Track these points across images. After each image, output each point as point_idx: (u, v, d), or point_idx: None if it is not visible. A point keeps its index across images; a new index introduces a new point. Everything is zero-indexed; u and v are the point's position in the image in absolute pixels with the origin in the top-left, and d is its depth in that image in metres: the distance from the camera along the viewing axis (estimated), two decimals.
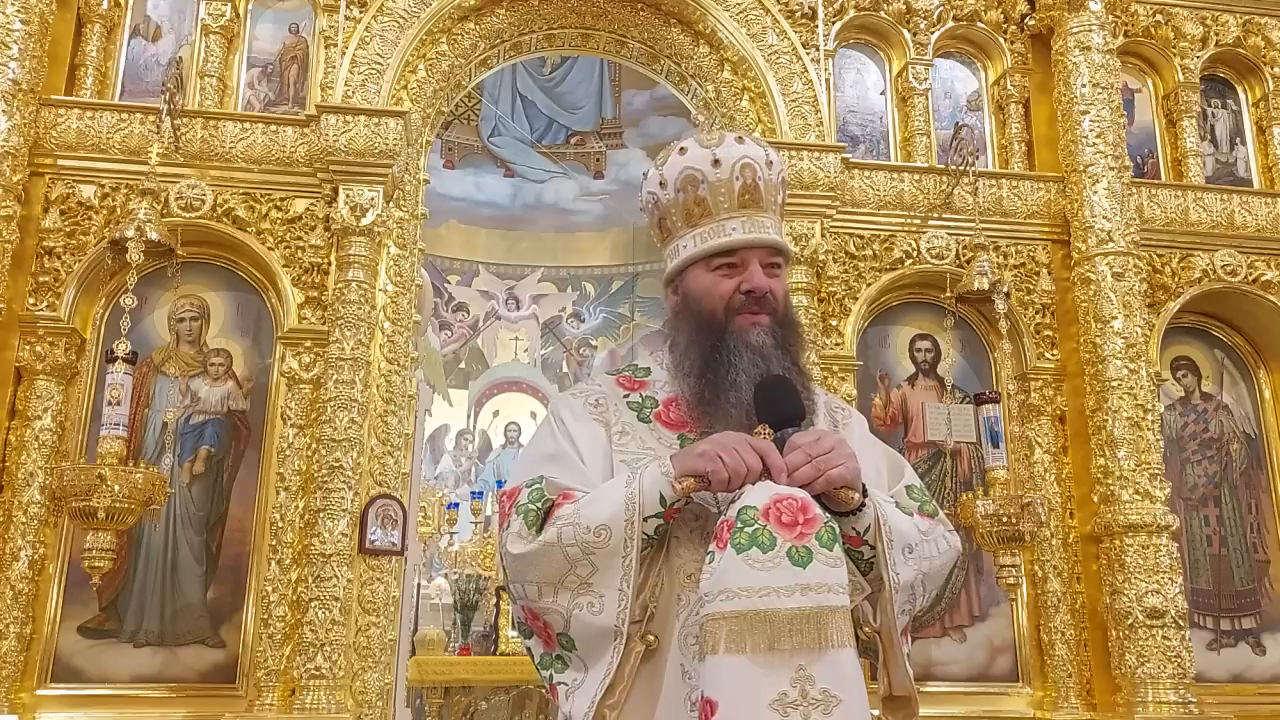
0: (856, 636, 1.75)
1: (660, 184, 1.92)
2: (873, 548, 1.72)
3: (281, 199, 5.07)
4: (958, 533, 1.92)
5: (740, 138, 1.92)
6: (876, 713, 1.82)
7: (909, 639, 1.86)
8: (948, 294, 5.35)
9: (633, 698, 1.67)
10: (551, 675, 1.75)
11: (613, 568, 1.66)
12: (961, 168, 5.38)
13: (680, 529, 1.73)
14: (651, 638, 1.68)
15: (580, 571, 1.67)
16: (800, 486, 1.61)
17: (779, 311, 1.87)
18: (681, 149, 1.92)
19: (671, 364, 1.91)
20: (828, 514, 1.60)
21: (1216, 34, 6.12)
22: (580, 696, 1.69)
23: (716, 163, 1.87)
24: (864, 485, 1.71)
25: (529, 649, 1.81)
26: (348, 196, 4.96)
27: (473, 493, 10.29)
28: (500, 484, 9.36)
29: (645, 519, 1.66)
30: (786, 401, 1.73)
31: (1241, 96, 6.27)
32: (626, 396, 1.92)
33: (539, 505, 1.73)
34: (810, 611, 1.52)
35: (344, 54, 5.17)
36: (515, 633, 7.18)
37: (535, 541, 1.70)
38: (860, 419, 2.06)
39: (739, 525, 1.57)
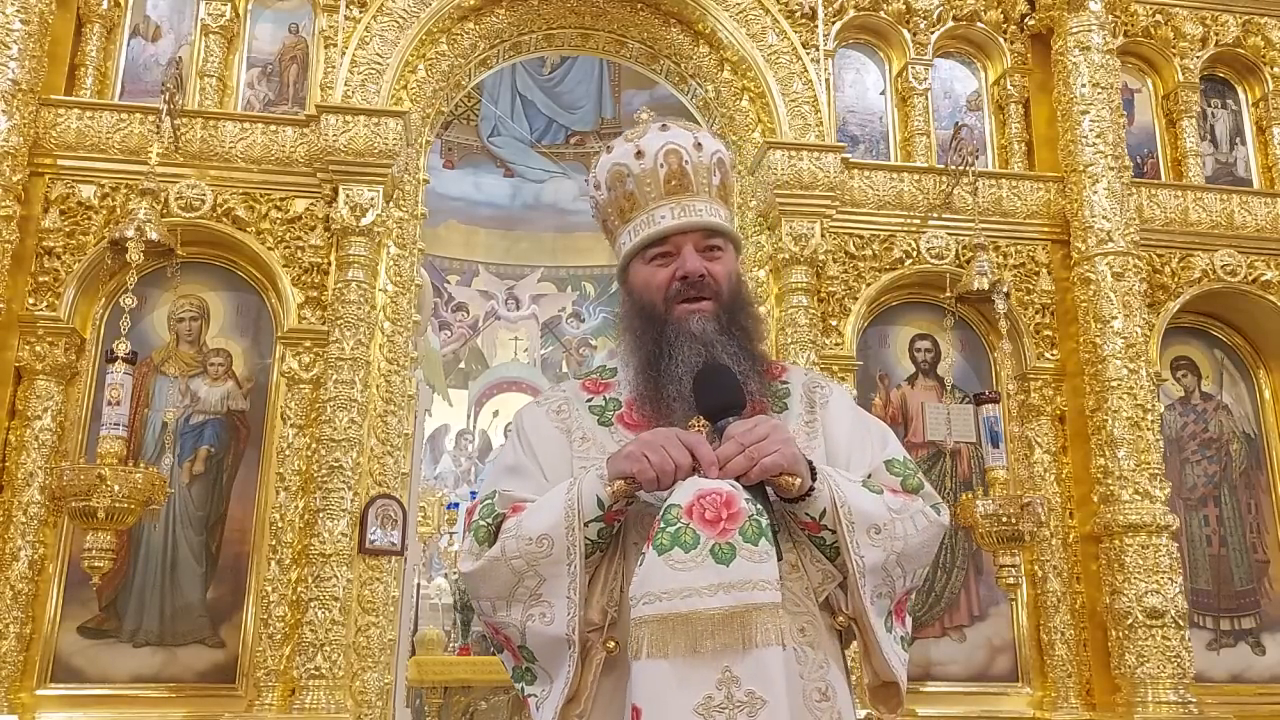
0: (838, 630, 1.71)
1: (595, 186, 1.90)
2: (834, 532, 1.65)
3: (281, 199, 5.07)
4: (946, 509, 1.83)
5: (665, 126, 1.87)
6: (864, 714, 1.79)
7: (905, 622, 1.79)
8: (948, 294, 5.35)
9: (599, 705, 1.64)
10: (523, 688, 1.72)
11: (559, 576, 1.62)
12: (961, 168, 5.38)
13: (636, 532, 1.68)
14: (613, 644, 1.63)
15: (528, 583, 1.64)
16: (735, 478, 1.56)
17: (723, 294, 1.80)
18: (609, 148, 1.89)
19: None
20: (757, 507, 1.54)
21: (1216, 34, 6.12)
22: (546, 707, 1.66)
23: (640, 154, 1.83)
24: (813, 468, 1.65)
25: (504, 663, 1.78)
26: (347, 196, 4.95)
27: (472, 493, 10.28)
28: None
29: (586, 524, 1.61)
30: (722, 391, 1.66)
31: (1241, 96, 6.26)
32: (589, 401, 1.87)
33: (489, 521, 1.71)
34: (734, 611, 1.47)
35: (344, 54, 5.17)
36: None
37: (484, 558, 1.67)
38: (842, 392, 1.97)
39: (662, 525, 1.53)
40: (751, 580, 1.48)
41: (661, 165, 1.81)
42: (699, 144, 1.85)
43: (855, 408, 1.96)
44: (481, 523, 1.71)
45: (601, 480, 1.62)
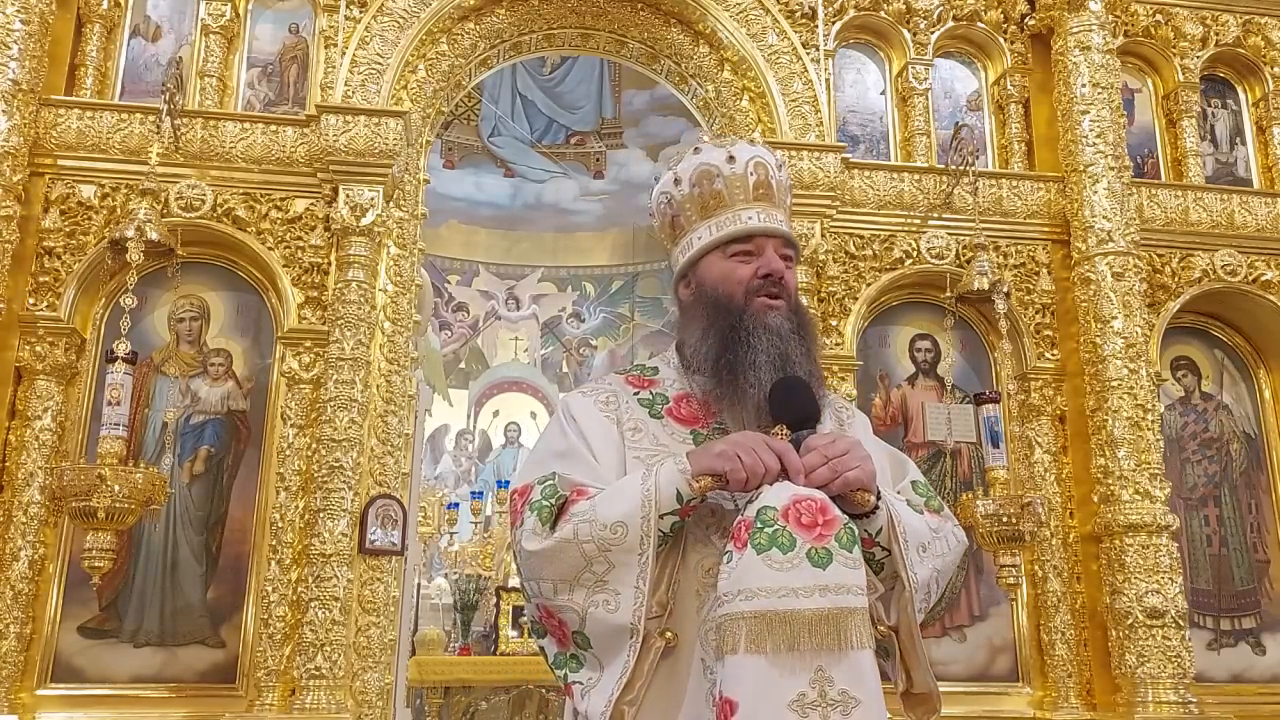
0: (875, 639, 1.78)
1: (675, 182, 1.99)
2: (885, 549, 1.74)
3: (281, 199, 5.07)
4: (963, 531, 1.95)
5: (753, 141, 2.05)
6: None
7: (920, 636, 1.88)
8: (948, 294, 5.35)
9: (652, 694, 1.67)
10: (566, 675, 1.74)
11: (629, 565, 1.65)
12: (961, 168, 5.38)
13: (695, 527, 1.74)
14: (670, 634, 1.68)
15: (596, 569, 1.67)
16: (817, 488, 1.62)
17: (793, 301, 1.91)
18: (695, 149, 2.01)
19: (681, 361, 1.94)
20: (847, 516, 1.62)
21: (1216, 34, 6.12)
22: (596, 695, 1.68)
23: (731, 159, 1.94)
24: (877, 487, 1.73)
25: (542, 648, 1.80)
26: (348, 196, 4.96)
27: (473, 493, 10.29)
28: (501, 484, 9.36)
29: (661, 516, 1.66)
30: (803, 402, 1.74)
31: (1241, 96, 6.27)
32: (636, 394, 1.93)
33: (552, 502, 1.73)
34: (830, 612, 1.53)
35: (344, 54, 5.17)
36: (515, 632, 7.19)
37: (551, 538, 1.69)
38: (864, 419, 2.09)
39: (758, 525, 1.57)
40: (846, 585, 1.55)
41: (751, 173, 1.94)
42: (780, 165, 2.01)
43: (874, 435, 2.07)
44: (545, 503, 1.73)
45: (683, 474, 1.67)
